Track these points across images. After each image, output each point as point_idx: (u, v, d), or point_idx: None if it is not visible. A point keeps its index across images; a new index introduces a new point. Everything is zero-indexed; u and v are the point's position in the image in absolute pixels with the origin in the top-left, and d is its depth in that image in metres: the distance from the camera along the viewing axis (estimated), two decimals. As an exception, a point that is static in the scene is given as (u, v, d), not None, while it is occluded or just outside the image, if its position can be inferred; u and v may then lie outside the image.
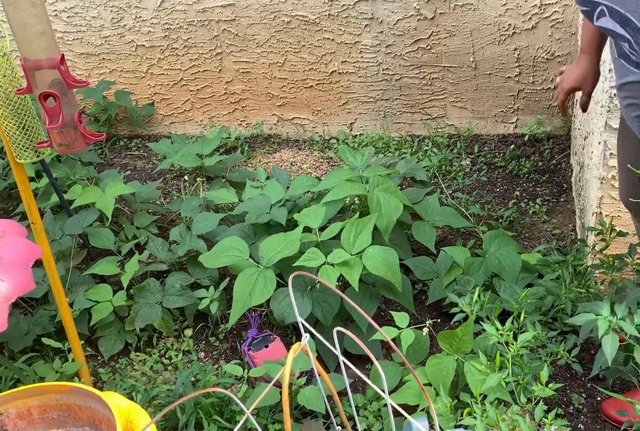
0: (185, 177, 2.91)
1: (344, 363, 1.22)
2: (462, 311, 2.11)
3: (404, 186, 2.94)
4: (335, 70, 3.30)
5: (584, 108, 1.88)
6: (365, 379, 1.11)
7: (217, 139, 2.87)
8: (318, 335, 1.30)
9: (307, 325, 1.32)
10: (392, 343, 1.09)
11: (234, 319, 2.06)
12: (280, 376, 1.98)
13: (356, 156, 2.53)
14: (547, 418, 1.47)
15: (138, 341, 2.30)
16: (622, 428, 1.88)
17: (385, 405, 2.03)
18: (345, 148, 2.56)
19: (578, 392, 2.05)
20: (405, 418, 1.07)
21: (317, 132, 3.50)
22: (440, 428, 1.82)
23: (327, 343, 1.21)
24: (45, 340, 2.10)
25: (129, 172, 3.29)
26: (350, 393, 1.26)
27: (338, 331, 1.17)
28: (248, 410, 1.09)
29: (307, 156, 3.32)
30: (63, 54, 1.71)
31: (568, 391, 2.06)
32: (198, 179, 2.83)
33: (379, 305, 2.41)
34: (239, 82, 3.42)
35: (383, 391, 1.13)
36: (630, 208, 1.99)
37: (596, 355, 1.66)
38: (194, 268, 2.38)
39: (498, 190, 3.05)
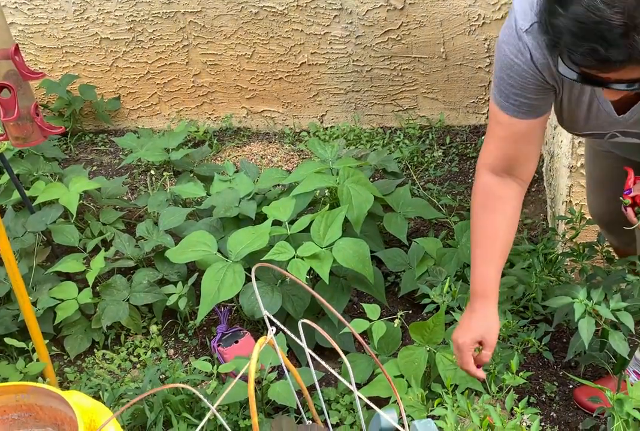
0: (152, 172, 2.85)
1: (315, 357, 1.19)
2: (433, 302, 2.09)
3: (376, 178, 2.91)
4: (305, 62, 3.26)
5: (484, 361, 1.46)
6: (334, 372, 1.09)
7: (184, 133, 2.82)
8: (284, 328, 1.27)
9: (272, 318, 1.28)
10: (359, 337, 1.07)
11: (202, 315, 2.02)
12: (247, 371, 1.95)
13: (326, 148, 2.50)
14: (518, 406, 1.46)
15: (105, 340, 2.25)
16: (594, 415, 1.88)
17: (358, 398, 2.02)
18: (314, 141, 2.53)
19: (550, 380, 2.05)
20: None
21: (287, 125, 3.45)
22: (412, 419, 1.81)
23: (293, 336, 1.18)
24: (8, 340, 2.03)
25: (95, 168, 3.22)
26: (318, 387, 1.24)
27: (309, 325, 1.15)
28: (214, 406, 1.06)
29: (277, 149, 3.28)
30: (17, 45, 1.65)
31: (540, 380, 2.06)
32: (165, 174, 2.77)
33: (350, 297, 2.39)
34: (206, 75, 3.36)
35: (353, 384, 1.11)
36: (600, 222, 1.98)
37: (571, 340, 1.65)
38: (161, 264, 2.33)
39: (470, 180, 3.04)
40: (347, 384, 1.08)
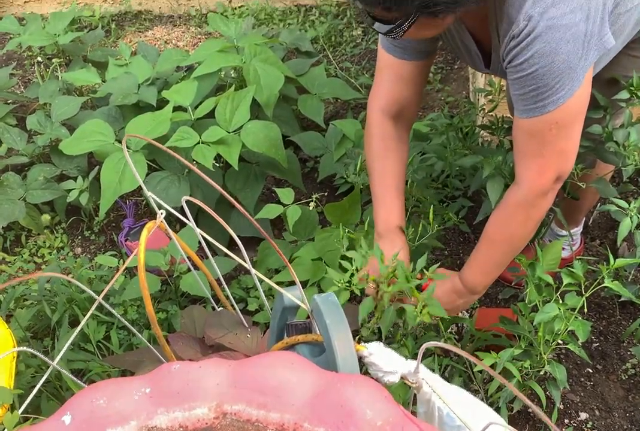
0: (39, 58, 2.57)
1: (213, 242, 1.11)
2: (348, 182, 2.02)
3: (290, 59, 2.73)
4: None
5: None
6: (239, 260, 1.02)
7: (72, 14, 2.52)
8: (172, 210, 1.17)
9: (160, 201, 1.18)
10: (257, 225, 0.97)
11: (104, 208, 1.88)
12: (159, 265, 1.85)
13: (229, 25, 2.29)
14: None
15: (4, 242, 2.10)
16: (512, 283, 1.90)
17: (277, 284, 1.98)
18: (215, 17, 2.31)
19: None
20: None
21: (192, 6, 3.17)
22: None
23: (180, 216, 1.09)
24: None
25: (-20, 61, 2.92)
26: (222, 277, 1.19)
27: (190, 202, 1.05)
28: (94, 295, 0.96)
29: (183, 33, 3.02)
30: None
31: (461, 255, 2.05)
32: (55, 60, 2.50)
33: (268, 185, 2.29)
34: (97, -49, 3.01)
35: (249, 264, 1.03)
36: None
37: (483, 204, 1.60)
38: (59, 159, 2.15)
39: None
40: (245, 264, 1.01)
